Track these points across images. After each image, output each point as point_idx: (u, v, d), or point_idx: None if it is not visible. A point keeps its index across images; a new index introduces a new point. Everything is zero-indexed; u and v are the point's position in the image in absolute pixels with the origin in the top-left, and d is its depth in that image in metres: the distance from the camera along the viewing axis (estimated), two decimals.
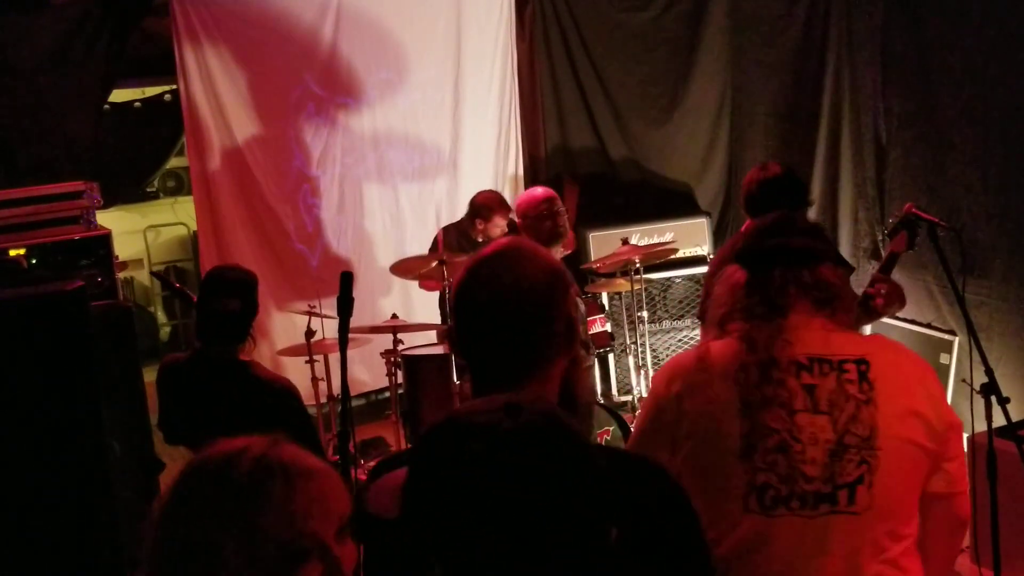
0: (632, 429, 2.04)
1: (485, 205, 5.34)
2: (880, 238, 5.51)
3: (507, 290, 1.53)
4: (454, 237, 5.45)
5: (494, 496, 1.09)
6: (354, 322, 2.51)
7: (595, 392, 4.94)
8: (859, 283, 4.82)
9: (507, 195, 6.76)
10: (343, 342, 2.42)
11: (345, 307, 2.43)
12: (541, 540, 1.09)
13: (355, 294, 2.47)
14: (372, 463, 5.35)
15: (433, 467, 1.15)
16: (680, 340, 6.38)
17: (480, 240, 5.25)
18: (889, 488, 1.81)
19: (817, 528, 1.81)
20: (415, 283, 5.70)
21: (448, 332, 2.14)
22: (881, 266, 3.40)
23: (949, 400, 3.80)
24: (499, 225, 5.27)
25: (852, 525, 1.81)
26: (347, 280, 2.44)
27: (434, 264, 4.91)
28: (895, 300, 3.24)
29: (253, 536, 1.27)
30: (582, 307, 4.47)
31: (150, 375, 3.64)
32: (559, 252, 4.44)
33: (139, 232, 9.99)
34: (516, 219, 4.89)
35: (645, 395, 5.55)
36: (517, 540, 1.09)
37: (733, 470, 1.82)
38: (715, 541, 1.87)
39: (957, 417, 1.94)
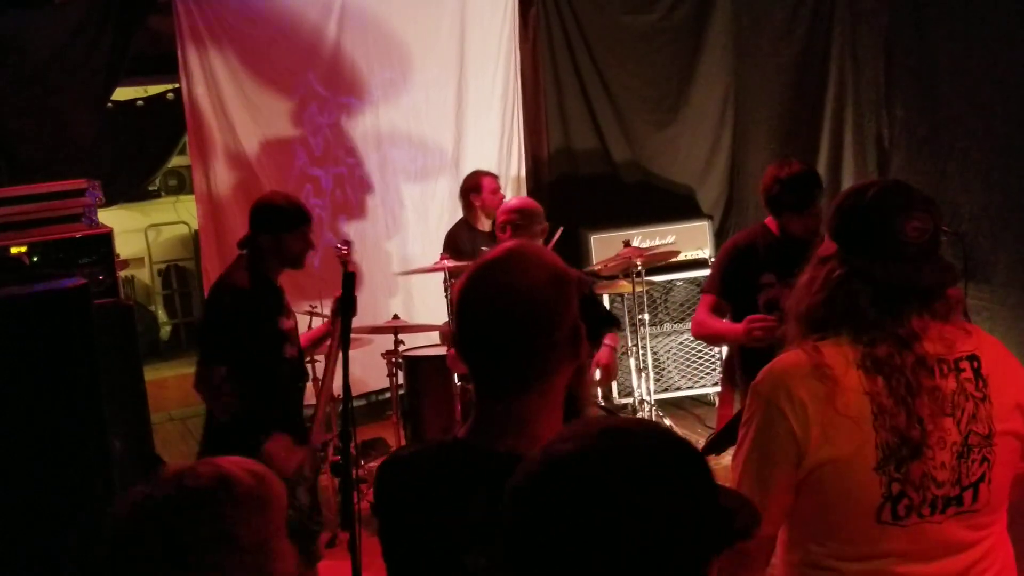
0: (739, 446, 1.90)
1: (469, 182, 5.51)
2: None
3: (506, 297, 1.48)
4: (459, 237, 5.43)
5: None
6: (355, 322, 2.51)
7: (596, 394, 4.92)
8: None
9: (508, 196, 6.77)
10: (345, 343, 2.41)
11: (348, 307, 2.42)
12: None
13: (357, 294, 2.47)
14: (373, 464, 5.35)
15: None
16: (681, 343, 6.37)
17: (487, 231, 5.19)
18: (1000, 481, 1.82)
19: (945, 531, 1.80)
20: (417, 284, 5.69)
21: (452, 337, 2.13)
22: None
23: None
24: (490, 188, 5.41)
25: (972, 521, 1.81)
26: (349, 281, 2.43)
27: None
28: None
29: (227, 547, 1.32)
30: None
31: (151, 374, 3.65)
32: None
33: (140, 231, 10.00)
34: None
35: (647, 397, 5.56)
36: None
37: (868, 482, 1.77)
38: (836, 555, 1.82)
39: None
